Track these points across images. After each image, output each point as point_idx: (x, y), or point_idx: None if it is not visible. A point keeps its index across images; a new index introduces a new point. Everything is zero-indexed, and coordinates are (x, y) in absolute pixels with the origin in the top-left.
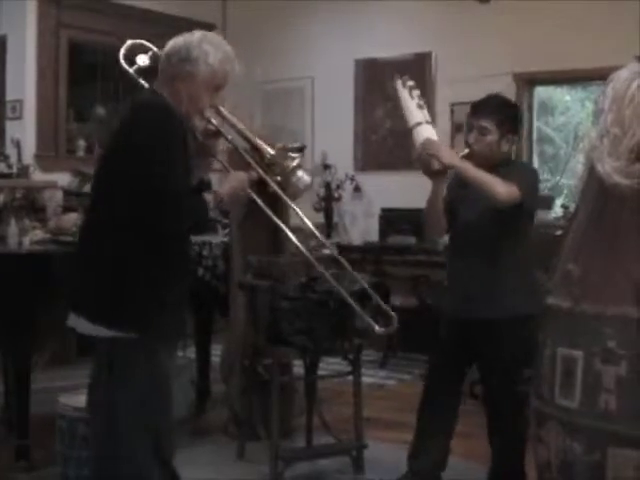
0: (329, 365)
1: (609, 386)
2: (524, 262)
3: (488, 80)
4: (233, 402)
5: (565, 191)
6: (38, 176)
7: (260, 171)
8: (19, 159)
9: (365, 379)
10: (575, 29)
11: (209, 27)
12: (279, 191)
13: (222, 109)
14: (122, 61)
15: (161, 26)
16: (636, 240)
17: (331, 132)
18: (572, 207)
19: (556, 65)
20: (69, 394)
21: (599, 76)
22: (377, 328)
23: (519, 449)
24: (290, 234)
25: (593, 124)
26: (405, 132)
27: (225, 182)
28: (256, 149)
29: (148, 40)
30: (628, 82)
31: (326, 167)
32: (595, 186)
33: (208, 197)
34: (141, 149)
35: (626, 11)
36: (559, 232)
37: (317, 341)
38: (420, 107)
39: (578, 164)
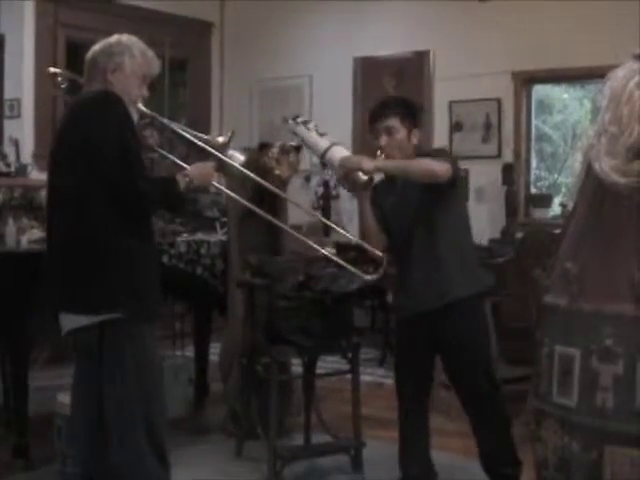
0: (327, 363)
1: (606, 384)
2: (463, 242)
3: (486, 78)
4: (231, 401)
5: (563, 189)
6: (36, 175)
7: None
8: (17, 158)
9: (363, 377)
10: (573, 27)
11: (207, 25)
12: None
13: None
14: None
15: (159, 25)
16: (633, 238)
17: (329, 130)
18: (570, 205)
19: (554, 63)
20: (67, 393)
21: (597, 74)
22: (367, 276)
23: (504, 432)
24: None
25: (591, 122)
26: None
27: (198, 167)
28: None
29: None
30: (625, 80)
31: (324, 165)
32: (593, 184)
33: (179, 176)
34: (98, 141)
35: (625, 9)
36: (557, 230)
37: (315, 339)
38: (321, 135)
39: (576, 162)
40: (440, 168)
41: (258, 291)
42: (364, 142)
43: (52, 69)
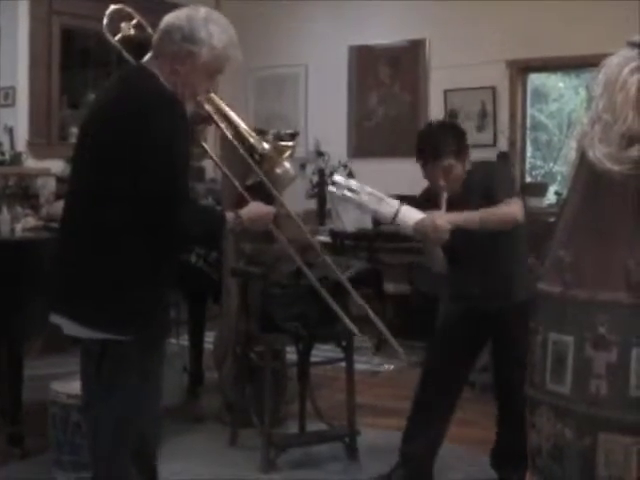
0: (322, 352)
1: (600, 372)
2: (522, 247)
3: (482, 67)
4: (226, 389)
5: (559, 178)
6: (31, 163)
7: (251, 162)
8: (12, 146)
9: (358, 366)
10: (569, 16)
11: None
12: (269, 184)
13: (214, 96)
14: (105, 29)
15: (155, 13)
16: (627, 226)
17: (325, 119)
18: (565, 193)
19: (550, 52)
20: (62, 381)
21: (593, 63)
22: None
23: (523, 429)
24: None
25: (586, 110)
26: (398, 118)
27: (251, 207)
28: (244, 142)
29: None
30: (620, 68)
31: (319, 154)
32: (586, 172)
33: (229, 215)
34: (149, 147)
35: None
36: (552, 219)
37: (310, 328)
38: (372, 195)
39: (571, 151)
40: (517, 213)
41: (253, 279)
42: (358, 131)
43: (124, 7)
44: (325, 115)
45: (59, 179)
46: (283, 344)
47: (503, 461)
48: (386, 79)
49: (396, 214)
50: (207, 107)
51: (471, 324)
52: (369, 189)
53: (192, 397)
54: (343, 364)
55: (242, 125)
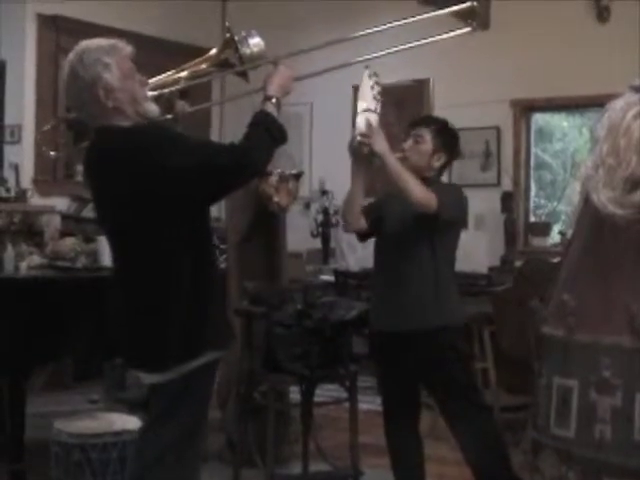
0: (325, 391)
1: (604, 416)
2: (448, 274)
3: (486, 106)
4: (229, 428)
5: (562, 217)
6: (36, 200)
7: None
8: (17, 183)
9: (362, 405)
10: (573, 56)
11: (208, 52)
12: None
13: (151, 81)
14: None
15: (161, 51)
16: (630, 270)
17: (329, 158)
18: (569, 234)
19: (554, 92)
20: (64, 419)
21: (597, 103)
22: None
23: (494, 453)
24: None
25: (589, 152)
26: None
27: (269, 79)
28: (205, 65)
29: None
30: (623, 112)
31: (324, 193)
32: (590, 215)
33: (268, 106)
34: (164, 170)
35: (624, 38)
36: (556, 259)
37: (313, 368)
38: (375, 99)
39: (574, 192)
40: (422, 196)
41: (256, 319)
42: None
43: (47, 126)
44: (330, 154)
45: (64, 216)
46: (287, 384)
47: None
48: (390, 118)
49: (367, 109)
50: (158, 92)
51: (394, 348)
52: (378, 96)
53: None
54: (347, 404)
55: (178, 75)
